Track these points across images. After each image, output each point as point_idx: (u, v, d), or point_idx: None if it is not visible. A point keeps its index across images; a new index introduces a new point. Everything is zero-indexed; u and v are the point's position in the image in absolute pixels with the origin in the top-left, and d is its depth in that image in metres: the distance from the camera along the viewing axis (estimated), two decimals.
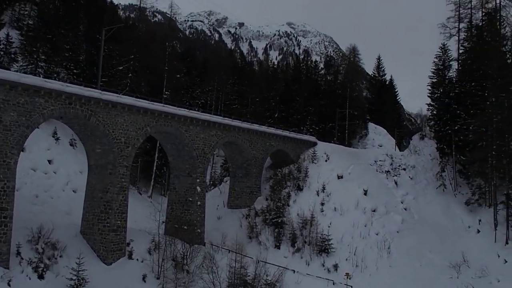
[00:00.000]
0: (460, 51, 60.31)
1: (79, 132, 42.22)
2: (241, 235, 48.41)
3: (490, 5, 58.25)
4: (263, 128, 55.99)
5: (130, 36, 76.42)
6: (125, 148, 41.79)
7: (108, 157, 41.34)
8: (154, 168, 69.78)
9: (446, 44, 59.95)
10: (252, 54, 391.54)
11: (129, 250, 40.85)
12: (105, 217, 40.44)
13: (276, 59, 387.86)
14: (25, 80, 35.57)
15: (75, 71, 71.07)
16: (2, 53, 61.32)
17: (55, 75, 66.45)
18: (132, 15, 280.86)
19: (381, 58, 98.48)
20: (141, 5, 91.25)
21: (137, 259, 40.55)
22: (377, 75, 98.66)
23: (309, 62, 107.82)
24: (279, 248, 46.81)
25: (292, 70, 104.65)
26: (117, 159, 41.09)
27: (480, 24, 59.18)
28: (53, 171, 53.11)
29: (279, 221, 48.37)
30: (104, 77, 71.07)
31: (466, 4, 60.91)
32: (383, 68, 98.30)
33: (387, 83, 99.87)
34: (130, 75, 69.00)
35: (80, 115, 38.87)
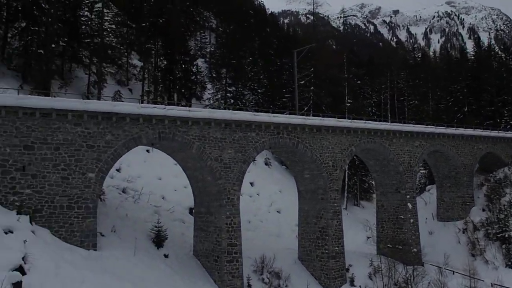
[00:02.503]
0: None
1: (286, 159, 42.42)
2: (461, 252, 44.76)
3: None
4: (469, 131, 51.27)
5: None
6: (334, 171, 40.87)
7: (318, 182, 40.77)
8: (346, 179, 68.46)
9: None
10: (411, 41, 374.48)
11: (349, 276, 39.74)
12: (322, 243, 39.90)
13: (438, 42, 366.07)
14: (237, 116, 36.40)
15: (259, 91, 72.85)
16: (195, 85, 64.70)
17: (241, 96, 68.93)
18: (286, 21, 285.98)
19: None
20: (314, 10, 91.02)
21: (360, 286, 39.27)
22: None
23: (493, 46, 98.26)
24: (511, 268, 42.07)
25: (474, 57, 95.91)
26: (327, 183, 40.30)
27: None
28: (256, 193, 54.63)
29: (506, 235, 43.53)
30: (286, 93, 72.06)
31: None
32: None
33: None
34: (312, 88, 68.56)
35: (288, 143, 38.84)
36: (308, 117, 40.94)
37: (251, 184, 54.84)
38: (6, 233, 24.27)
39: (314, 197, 41.02)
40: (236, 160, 35.69)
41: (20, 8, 44.10)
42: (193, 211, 39.15)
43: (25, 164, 27.85)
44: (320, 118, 41.17)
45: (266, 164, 63.10)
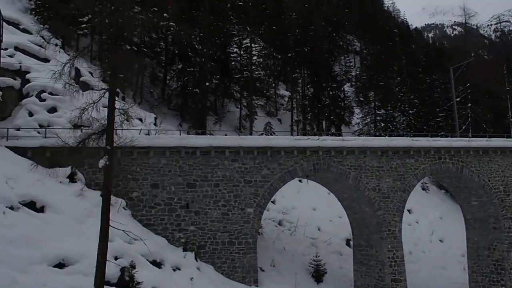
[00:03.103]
0: None
1: (449, 185, 39.18)
2: None
3: None
4: None
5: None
6: (506, 197, 36.74)
7: (488, 210, 36.94)
8: None
9: None
10: None
11: None
12: (497, 278, 35.84)
13: None
14: (393, 143, 34.50)
15: (410, 111, 69.52)
16: (343, 111, 63.48)
17: (392, 119, 66.14)
18: (430, 35, 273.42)
19: None
20: (466, 20, 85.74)
21: None
22: None
23: None
24: None
25: None
26: (499, 211, 36.32)
27: None
28: (415, 221, 51.43)
29: None
30: (440, 112, 67.69)
31: None
32: None
33: None
34: (469, 104, 63.60)
35: (451, 169, 35.83)
36: (472, 138, 37.61)
37: (409, 211, 51.63)
38: (174, 270, 25.01)
39: (485, 227, 37.20)
40: (395, 189, 33.66)
41: (176, 52, 47.04)
42: (351, 243, 37.66)
43: (189, 202, 28.83)
44: (486, 139, 37.59)
45: (423, 189, 59.44)
